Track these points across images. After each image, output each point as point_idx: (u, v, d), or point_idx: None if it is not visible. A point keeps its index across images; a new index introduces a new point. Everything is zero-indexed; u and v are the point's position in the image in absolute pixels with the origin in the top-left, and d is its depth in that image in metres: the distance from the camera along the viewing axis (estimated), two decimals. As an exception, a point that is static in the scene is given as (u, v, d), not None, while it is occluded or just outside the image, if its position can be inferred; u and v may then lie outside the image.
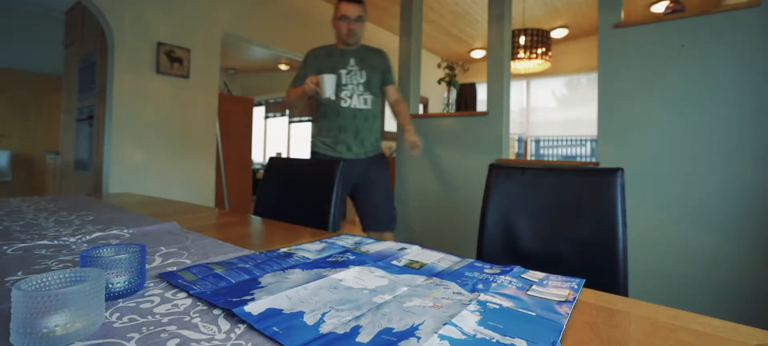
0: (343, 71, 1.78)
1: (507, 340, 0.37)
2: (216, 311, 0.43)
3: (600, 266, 0.77)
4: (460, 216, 2.60)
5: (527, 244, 0.91)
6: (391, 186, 1.90)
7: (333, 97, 1.69)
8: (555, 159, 5.95)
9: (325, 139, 1.82)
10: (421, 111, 3.65)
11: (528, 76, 5.83)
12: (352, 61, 1.80)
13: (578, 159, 5.79)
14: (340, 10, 1.80)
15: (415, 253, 0.69)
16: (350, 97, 1.77)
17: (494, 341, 0.37)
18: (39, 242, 0.72)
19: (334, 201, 1.23)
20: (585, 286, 0.55)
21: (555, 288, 0.52)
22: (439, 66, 3.66)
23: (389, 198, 1.89)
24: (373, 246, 0.74)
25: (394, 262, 0.63)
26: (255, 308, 0.42)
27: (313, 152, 1.86)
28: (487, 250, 0.99)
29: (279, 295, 0.46)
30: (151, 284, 0.51)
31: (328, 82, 1.59)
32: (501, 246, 0.96)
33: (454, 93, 4.14)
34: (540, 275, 0.58)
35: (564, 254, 0.83)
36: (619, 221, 0.78)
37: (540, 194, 0.93)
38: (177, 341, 0.36)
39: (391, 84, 1.92)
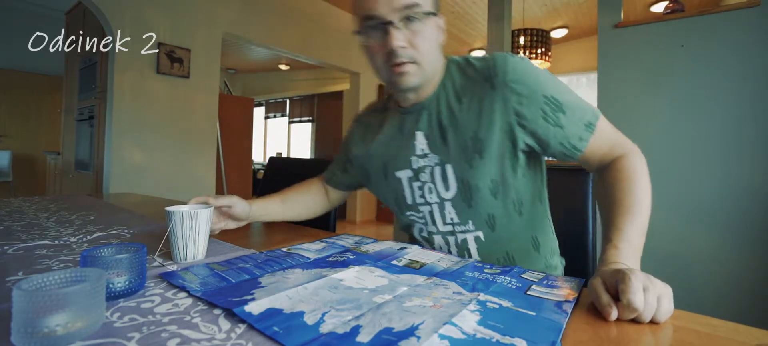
0: (405, 173, 0.76)
1: (507, 339, 0.37)
2: (216, 311, 0.43)
3: (574, 254, 0.89)
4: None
5: None
6: None
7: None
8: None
9: None
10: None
11: (528, 76, 5.82)
12: (420, 142, 0.73)
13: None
14: (363, 8, 0.66)
15: (415, 253, 0.69)
16: (428, 239, 0.78)
17: (494, 340, 0.37)
18: (40, 242, 0.72)
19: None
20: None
21: (555, 288, 0.52)
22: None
23: None
24: (373, 246, 0.74)
25: (394, 262, 0.63)
26: (255, 307, 0.42)
27: None
28: None
29: (279, 295, 0.46)
30: (152, 284, 0.51)
31: (177, 244, 0.62)
32: None
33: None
34: (540, 274, 0.58)
35: None
36: (590, 214, 0.91)
37: None
38: (177, 340, 0.36)
39: (580, 145, 0.71)
